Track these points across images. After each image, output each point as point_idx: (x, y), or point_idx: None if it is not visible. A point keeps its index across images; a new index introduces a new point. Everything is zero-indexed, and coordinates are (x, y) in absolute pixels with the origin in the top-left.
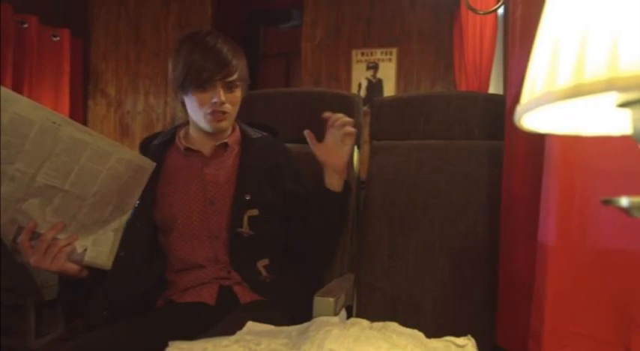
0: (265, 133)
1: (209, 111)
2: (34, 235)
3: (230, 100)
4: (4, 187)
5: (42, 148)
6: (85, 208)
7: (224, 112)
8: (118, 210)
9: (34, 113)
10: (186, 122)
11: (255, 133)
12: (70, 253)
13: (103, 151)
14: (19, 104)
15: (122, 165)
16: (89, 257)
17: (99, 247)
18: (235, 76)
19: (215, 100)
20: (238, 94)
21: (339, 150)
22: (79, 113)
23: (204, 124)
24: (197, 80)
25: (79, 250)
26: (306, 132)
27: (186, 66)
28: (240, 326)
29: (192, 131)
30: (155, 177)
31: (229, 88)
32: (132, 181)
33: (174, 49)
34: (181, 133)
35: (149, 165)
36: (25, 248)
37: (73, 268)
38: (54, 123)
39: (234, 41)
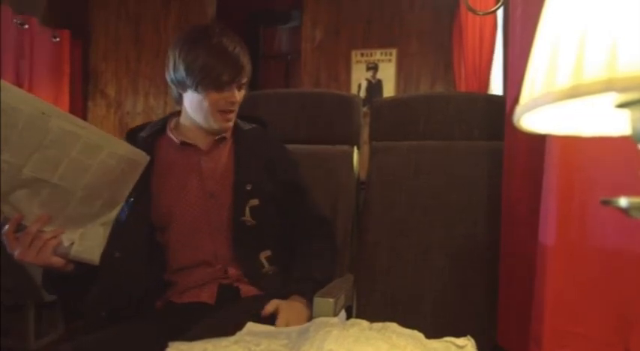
0: (255, 125)
1: (222, 109)
2: (21, 228)
3: (239, 99)
4: None
5: (31, 139)
6: (74, 202)
7: (232, 111)
8: (108, 204)
9: (23, 103)
10: (177, 113)
11: (246, 125)
12: (55, 247)
13: (94, 145)
14: (9, 94)
15: (114, 159)
16: (76, 251)
17: (87, 241)
18: (246, 78)
19: (232, 100)
20: (244, 92)
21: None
22: (79, 114)
23: (211, 123)
24: (216, 82)
25: (66, 243)
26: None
27: (205, 69)
28: (240, 326)
29: (186, 124)
30: (148, 172)
31: (239, 88)
32: (124, 175)
33: (179, 43)
34: (172, 124)
35: (143, 159)
36: (10, 240)
37: (58, 261)
38: (43, 113)
39: (240, 39)
